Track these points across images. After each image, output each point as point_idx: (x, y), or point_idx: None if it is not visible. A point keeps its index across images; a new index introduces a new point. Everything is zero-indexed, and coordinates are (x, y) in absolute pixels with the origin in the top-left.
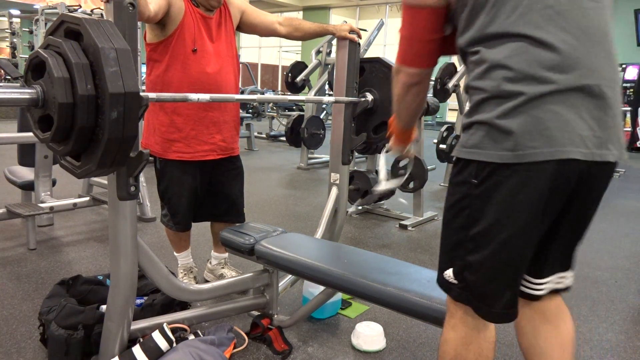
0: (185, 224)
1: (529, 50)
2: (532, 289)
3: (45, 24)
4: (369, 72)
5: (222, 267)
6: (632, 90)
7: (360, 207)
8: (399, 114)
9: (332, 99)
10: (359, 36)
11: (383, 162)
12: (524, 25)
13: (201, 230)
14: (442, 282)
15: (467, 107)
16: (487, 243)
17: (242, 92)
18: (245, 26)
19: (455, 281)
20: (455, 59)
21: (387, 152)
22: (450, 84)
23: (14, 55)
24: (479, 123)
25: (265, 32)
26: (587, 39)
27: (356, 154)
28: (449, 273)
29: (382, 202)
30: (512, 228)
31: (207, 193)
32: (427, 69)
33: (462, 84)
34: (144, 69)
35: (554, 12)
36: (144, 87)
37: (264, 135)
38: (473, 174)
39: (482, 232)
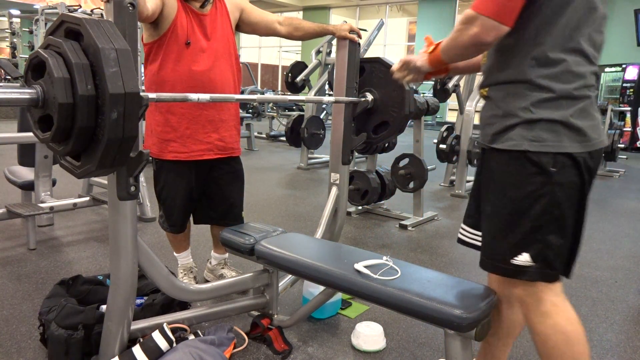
0: (179, 226)
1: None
2: None
3: (45, 24)
4: (369, 72)
5: (222, 267)
6: (632, 90)
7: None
8: (449, 55)
9: (332, 99)
10: (359, 36)
11: None
12: (584, 43)
13: (201, 230)
14: (509, 270)
15: (521, 102)
16: (568, 221)
17: (242, 92)
18: (244, 25)
19: (532, 263)
20: None
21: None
22: (450, 84)
23: (14, 55)
24: (550, 121)
25: (265, 31)
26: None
27: (356, 154)
28: (523, 258)
29: (382, 202)
30: (582, 207)
31: (204, 196)
32: (505, 28)
33: (462, 84)
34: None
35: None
36: (143, 87)
37: (264, 135)
38: (551, 163)
39: (564, 214)
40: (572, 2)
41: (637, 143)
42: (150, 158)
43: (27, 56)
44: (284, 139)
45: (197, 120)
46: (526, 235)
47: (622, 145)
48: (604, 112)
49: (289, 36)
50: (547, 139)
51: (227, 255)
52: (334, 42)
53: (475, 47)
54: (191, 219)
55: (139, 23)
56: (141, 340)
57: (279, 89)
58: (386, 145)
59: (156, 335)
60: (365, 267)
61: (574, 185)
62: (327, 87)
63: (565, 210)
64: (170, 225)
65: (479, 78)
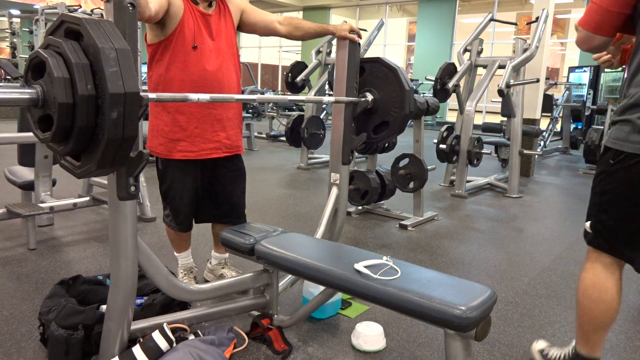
0: (187, 224)
1: None
2: None
3: (45, 24)
4: (369, 72)
5: (222, 267)
6: None
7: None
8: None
9: (332, 99)
10: (359, 36)
11: None
12: None
13: (201, 230)
14: (584, 232)
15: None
16: (612, 206)
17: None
18: (245, 25)
19: (590, 231)
20: (455, 60)
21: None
22: (450, 84)
23: (14, 55)
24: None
25: (265, 31)
26: None
27: (356, 154)
28: (587, 225)
29: (382, 202)
30: (629, 198)
31: (207, 194)
32: (598, 35)
33: (462, 84)
34: (144, 68)
35: None
36: (144, 87)
37: (264, 135)
38: (611, 156)
39: (609, 198)
40: None
41: None
42: (154, 158)
43: (27, 56)
44: (284, 139)
45: (205, 119)
46: (590, 207)
47: None
48: (603, 112)
49: (288, 36)
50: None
51: (227, 255)
52: (334, 42)
53: (585, 45)
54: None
55: (139, 23)
56: (141, 340)
57: (279, 89)
58: (386, 145)
59: (156, 335)
60: (365, 267)
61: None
62: (327, 87)
63: (615, 199)
64: (177, 223)
65: (478, 78)
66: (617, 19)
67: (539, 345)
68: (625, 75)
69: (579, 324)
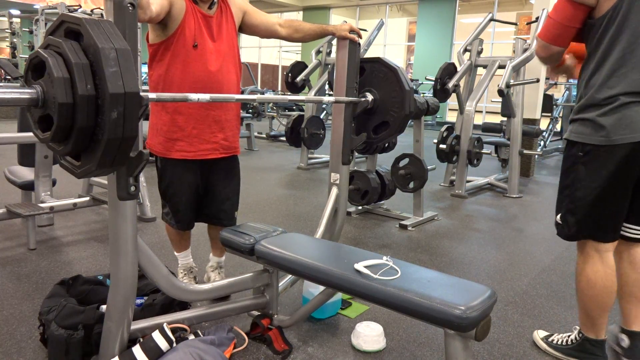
0: (186, 222)
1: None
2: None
3: (45, 24)
4: (369, 72)
5: (213, 270)
6: None
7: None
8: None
9: (332, 99)
10: (359, 36)
11: None
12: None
13: (201, 230)
14: (555, 224)
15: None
16: (584, 195)
17: (242, 92)
18: (246, 27)
19: (560, 222)
20: (455, 60)
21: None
22: (450, 84)
23: (14, 55)
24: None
25: (266, 33)
26: None
27: (356, 154)
28: (557, 218)
29: (382, 202)
30: (598, 186)
31: (203, 193)
32: (555, 46)
33: (462, 84)
34: (144, 68)
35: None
36: (144, 87)
37: (264, 135)
38: (580, 149)
39: (581, 187)
40: None
41: None
42: (154, 157)
43: (27, 56)
44: (284, 139)
45: (204, 120)
46: (559, 200)
47: None
48: None
49: (289, 38)
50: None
51: (223, 258)
52: (334, 42)
53: (544, 58)
54: None
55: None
56: (141, 340)
57: (279, 89)
58: (386, 145)
59: (156, 335)
60: (365, 267)
61: (603, 169)
62: (327, 87)
63: (586, 188)
64: (177, 221)
65: (478, 78)
66: (570, 32)
67: (541, 333)
68: (580, 78)
69: (584, 313)
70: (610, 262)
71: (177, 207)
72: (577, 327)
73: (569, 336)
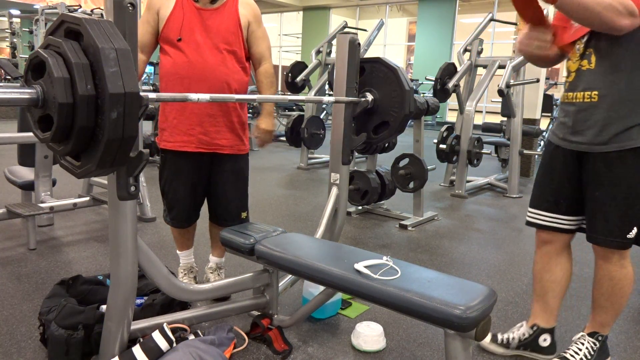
0: (180, 220)
1: None
2: None
3: (45, 24)
4: (369, 72)
5: (212, 272)
6: None
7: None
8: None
9: (332, 99)
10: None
11: None
12: None
13: (202, 230)
14: (625, 242)
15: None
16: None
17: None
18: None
19: (633, 236)
20: (455, 60)
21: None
22: (450, 84)
23: (14, 55)
24: None
25: (252, 58)
26: None
27: (356, 154)
28: (632, 233)
29: (382, 202)
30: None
31: (205, 192)
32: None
33: (462, 84)
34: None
35: None
36: (144, 87)
37: None
38: None
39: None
40: None
41: None
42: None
43: (27, 56)
44: (284, 139)
45: (183, 111)
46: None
47: None
48: None
49: (256, 82)
50: None
51: (222, 259)
52: (334, 42)
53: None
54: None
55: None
56: (141, 340)
57: (279, 89)
58: (386, 145)
59: (156, 335)
60: (365, 267)
61: None
62: (327, 87)
63: None
64: (171, 218)
65: (478, 78)
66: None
67: (486, 339)
68: (613, 76)
69: (543, 302)
70: (562, 249)
71: (172, 204)
72: (525, 322)
73: (518, 333)
